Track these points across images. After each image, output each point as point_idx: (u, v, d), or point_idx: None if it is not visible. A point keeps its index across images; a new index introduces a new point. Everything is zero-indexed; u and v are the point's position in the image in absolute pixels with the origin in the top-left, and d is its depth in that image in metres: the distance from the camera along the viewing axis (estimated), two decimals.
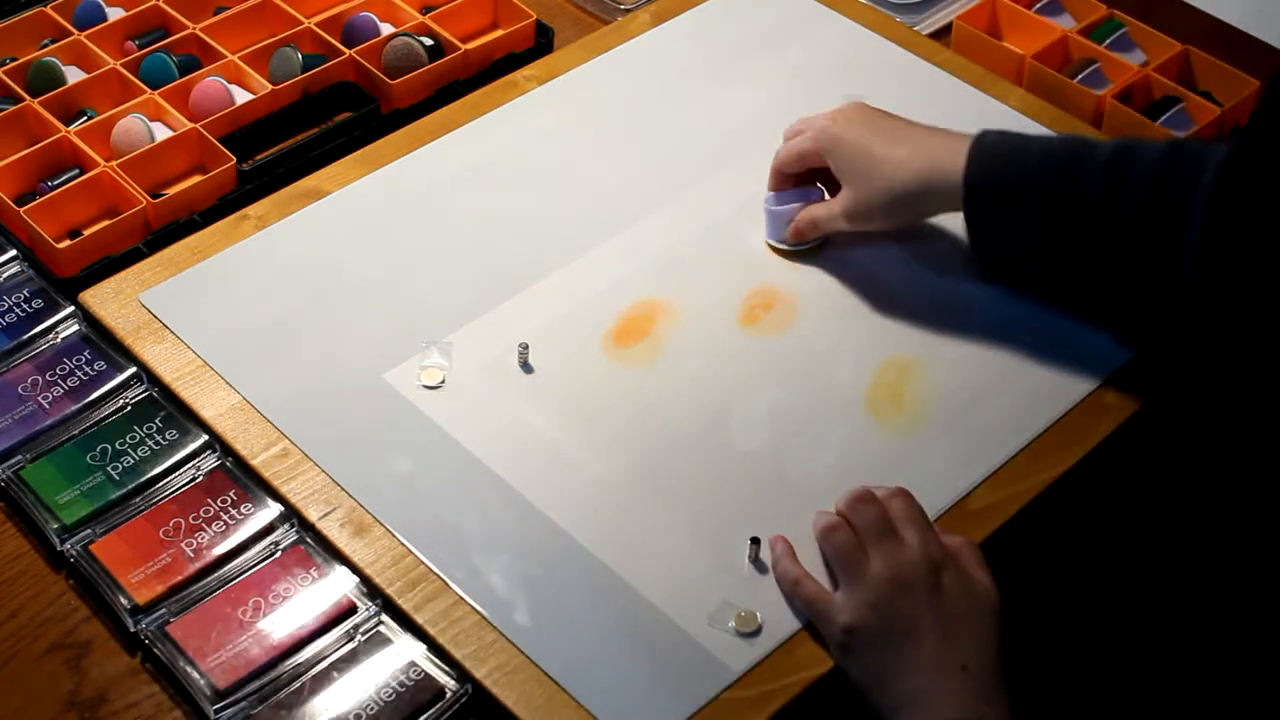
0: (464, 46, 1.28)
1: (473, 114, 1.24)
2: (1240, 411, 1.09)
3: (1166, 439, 1.10)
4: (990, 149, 1.03)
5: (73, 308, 1.09)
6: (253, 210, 1.16)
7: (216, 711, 0.89)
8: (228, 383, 1.04)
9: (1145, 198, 0.96)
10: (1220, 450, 1.13)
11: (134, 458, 1.00)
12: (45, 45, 1.28)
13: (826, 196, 1.13)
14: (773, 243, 1.14)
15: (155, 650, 0.92)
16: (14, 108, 1.21)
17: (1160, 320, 1.02)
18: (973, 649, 0.88)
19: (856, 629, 0.89)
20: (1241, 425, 1.10)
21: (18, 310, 1.09)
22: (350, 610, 0.93)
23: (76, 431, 1.02)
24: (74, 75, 1.26)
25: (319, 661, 0.91)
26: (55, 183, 1.17)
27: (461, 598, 0.93)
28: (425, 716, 0.89)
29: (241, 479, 0.99)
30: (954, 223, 1.15)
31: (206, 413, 1.02)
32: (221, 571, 0.95)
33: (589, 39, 1.31)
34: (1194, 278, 0.91)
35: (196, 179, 1.19)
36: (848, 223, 1.09)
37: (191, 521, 0.97)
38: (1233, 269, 0.85)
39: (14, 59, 1.26)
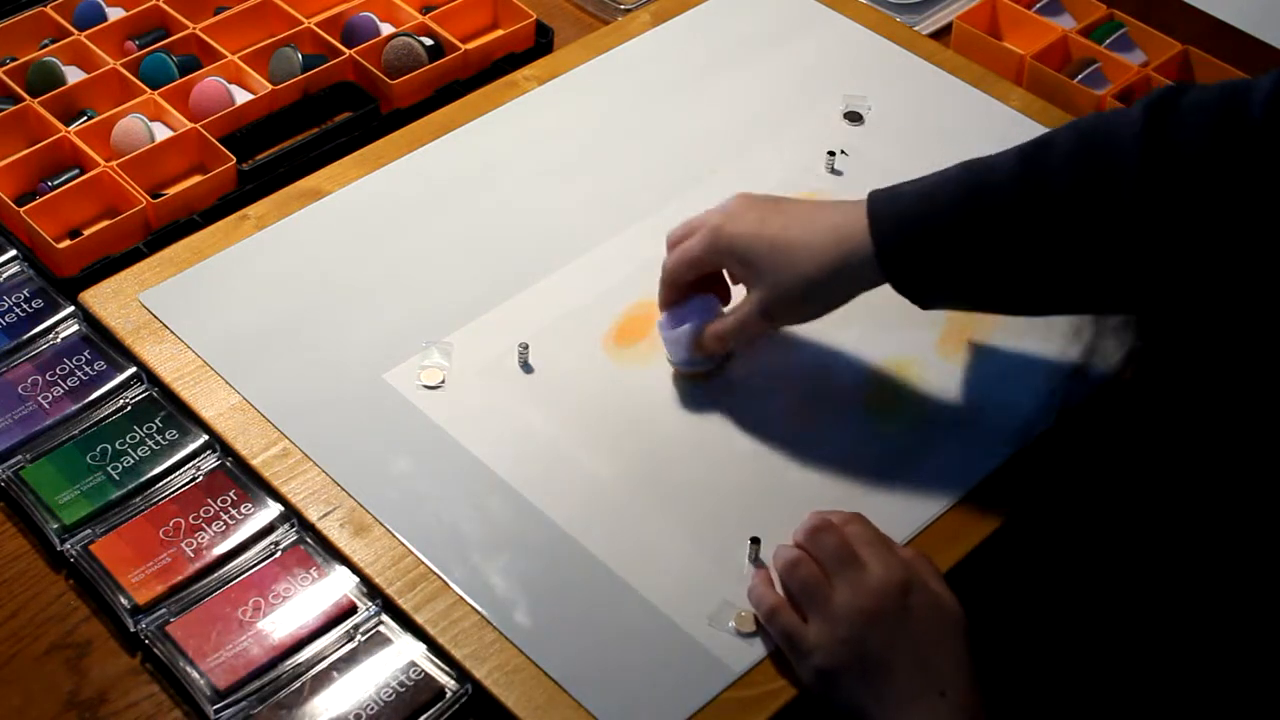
0: (464, 46, 1.28)
1: (473, 114, 1.24)
2: (1239, 410, 1.08)
3: (1167, 441, 1.10)
4: (886, 202, 0.95)
5: (73, 308, 1.09)
6: (253, 210, 1.16)
7: (216, 711, 0.89)
8: (228, 383, 1.04)
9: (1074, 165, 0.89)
10: (1220, 449, 1.13)
11: (134, 458, 1.00)
12: (45, 45, 1.28)
13: (722, 308, 1.04)
14: (679, 366, 1.04)
15: (155, 650, 0.92)
16: (14, 108, 1.21)
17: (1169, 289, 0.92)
18: (948, 672, 0.87)
19: (830, 669, 0.88)
20: (1240, 424, 1.10)
21: (18, 310, 1.09)
22: (350, 610, 0.93)
23: (76, 431, 1.02)
24: (74, 75, 1.26)
25: (319, 661, 0.91)
26: (55, 183, 1.17)
27: (461, 598, 0.93)
28: (425, 716, 0.89)
29: (241, 479, 0.99)
30: None
31: (206, 413, 1.02)
32: (221, 571, 0.95)
33: (589, 39, 1.31)
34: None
35: (196, 179, 1.19)
36: (766, 322, 1.00)
37: (191, 521, 0.97)
38: None
39: (14, 59, 1.26)
